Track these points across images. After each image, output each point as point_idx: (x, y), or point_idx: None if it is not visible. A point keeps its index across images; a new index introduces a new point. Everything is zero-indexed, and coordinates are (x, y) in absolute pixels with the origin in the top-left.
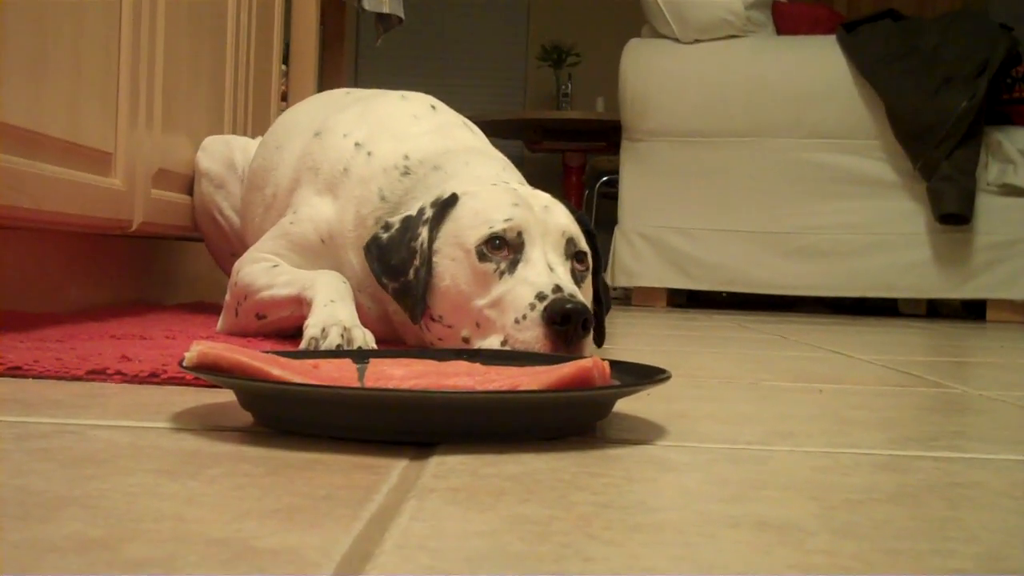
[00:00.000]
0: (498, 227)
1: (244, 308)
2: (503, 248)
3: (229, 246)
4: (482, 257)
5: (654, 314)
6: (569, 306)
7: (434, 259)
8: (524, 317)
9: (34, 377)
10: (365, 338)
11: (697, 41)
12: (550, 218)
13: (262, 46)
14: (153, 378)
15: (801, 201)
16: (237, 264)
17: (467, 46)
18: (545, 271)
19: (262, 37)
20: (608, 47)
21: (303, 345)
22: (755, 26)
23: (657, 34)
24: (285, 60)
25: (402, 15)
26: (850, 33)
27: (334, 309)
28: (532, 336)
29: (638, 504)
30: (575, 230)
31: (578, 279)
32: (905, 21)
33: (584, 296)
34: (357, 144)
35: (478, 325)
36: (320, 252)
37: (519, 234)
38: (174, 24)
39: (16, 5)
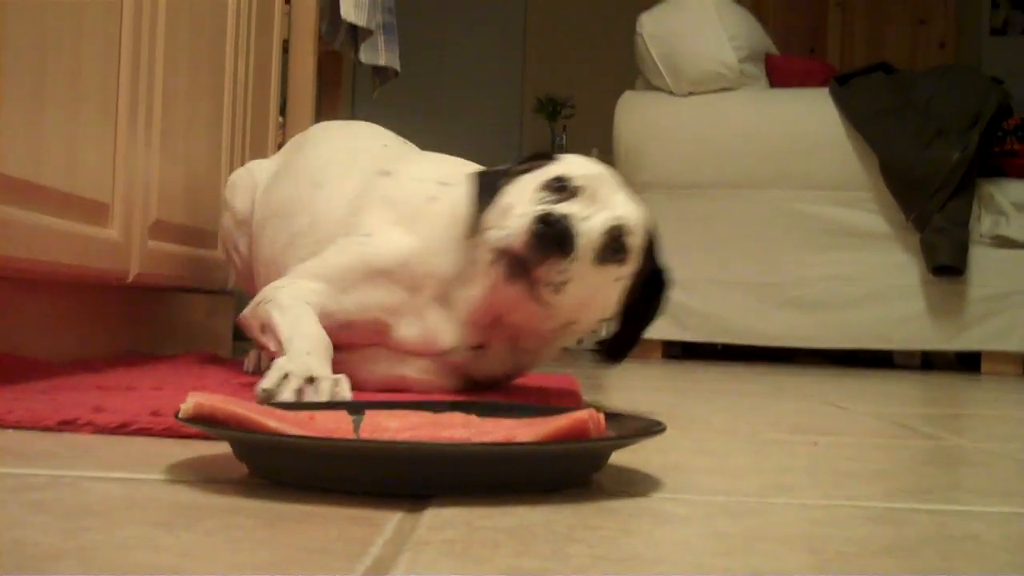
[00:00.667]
0: (564, 171)
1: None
2: (564, 190)
3: (247, 270)
4: (542, 188)
5: (649, 366)
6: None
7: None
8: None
9: (9, 427)
10: (339, 388)
11: (691, 94)
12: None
13: (259, 99)
14: (122, 429)
15: (795, 252)
16: (281, 285)
17: (463, 97)
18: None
19: (259, 90)
20: (603, 99)
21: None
22: (748, 79)
23: (651, 87)
24: (282, 112)
25: (398, 68)
26: (843, 86)
27: (307, 359)
28: (516, 227)
29: (634, 557)
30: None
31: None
32: (897, 74)
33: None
34: (441, 183)
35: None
36: (394, 275)
37: (582, 188)
38: (172, 79)
39: (14, 54)
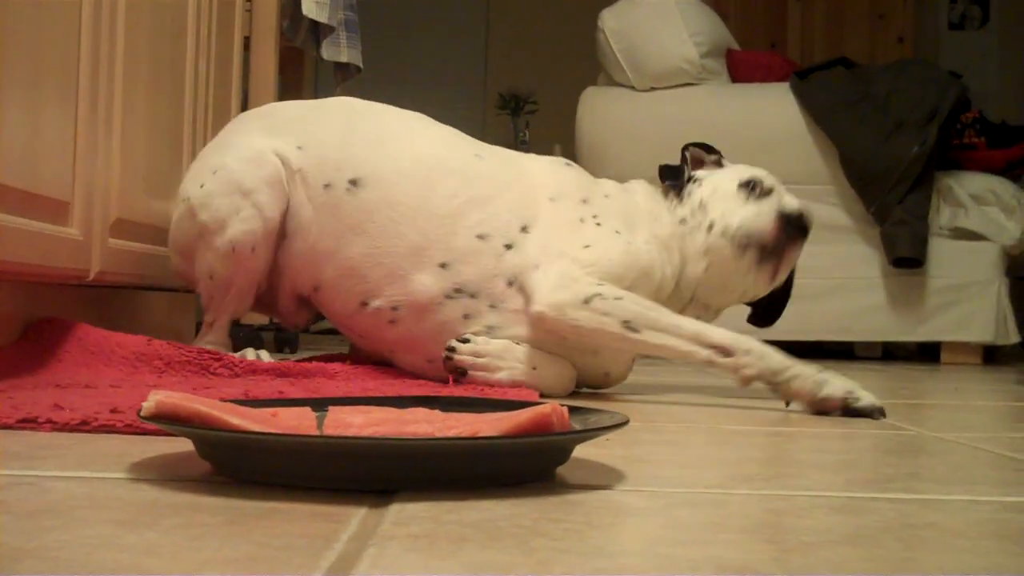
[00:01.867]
0: (751, 174)
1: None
2: (756, 189)
3: (251, 285)
4: (741, 187)
5: None
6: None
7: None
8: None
9: None
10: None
11: (653, 89)
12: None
13: (220, 97)
14: (83, 426)
15: None
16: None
17: (425, 93)
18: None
19: (220, 88)
20: (565, 95)
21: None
22: (710, 74)
23: (613, 82)
24: (244, 109)
25: (360, 64)
26: (803, 81)
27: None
28: (763, 220)
29: (598, 549)
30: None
31: None
32: (857, 69)
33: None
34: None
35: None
36: (653, 277)
37: (771, 187)
38: (132, 77)
39: None
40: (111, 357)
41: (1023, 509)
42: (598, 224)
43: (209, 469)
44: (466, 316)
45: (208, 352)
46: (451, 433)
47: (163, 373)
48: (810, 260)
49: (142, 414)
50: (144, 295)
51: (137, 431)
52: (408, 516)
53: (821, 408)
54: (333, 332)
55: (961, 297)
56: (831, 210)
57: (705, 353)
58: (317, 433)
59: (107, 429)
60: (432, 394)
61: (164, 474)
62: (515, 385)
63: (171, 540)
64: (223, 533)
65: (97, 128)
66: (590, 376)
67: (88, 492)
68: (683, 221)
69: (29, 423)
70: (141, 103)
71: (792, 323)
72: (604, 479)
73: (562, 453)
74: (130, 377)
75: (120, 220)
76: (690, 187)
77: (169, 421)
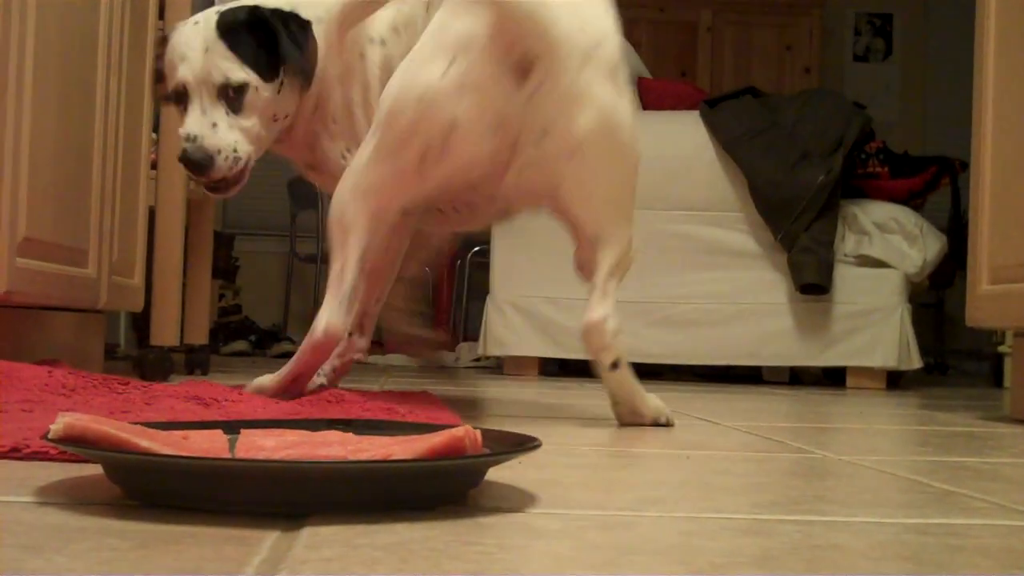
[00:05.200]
0: (171, 84)
1: None
2: (180, 100)
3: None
4: (172, 102)
5: (527, 383)
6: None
7: None
8: (178, 155)
9: None
10: None
11: None
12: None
13: (132, 118)
14: (14, 453)
15: (668, 272)
16: None
17: None
18: (196, 119)
19: (132, 107)
20: None
21: None
22: None
23: None
24: (155, 128)
25: None
26: (712, 109)
27: None
28: (183, 168)
29: (510, 572)
30: (227, 66)
31: (237, 108)
32: (765, 98)
33: None
34: None
35: None
36: None
37: (184, 86)
38: (41, 96)
39: None
40: (15, 383)
41: (925, 531)
42: None
43: (119, 493)
44: None
45: (115, 378)
46: (364, 456)
47: (72, 395)
48: (718, 285)
49: (50, 436)
50: (52, 315)
51: (71, 459)
52: (320, 540)
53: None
54: (242, 354)
55: (865, 323)
56: (739, 236)
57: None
58: (228, 456)
59: (42, 456)
60: (346, 417)
61: (73, 498)
62: None
63: (80, 565)
64: (134, 557)
65: (4, 147)
66: None
67: None
68: None
69: None
70: (50, 122)
71: (701, 347)
72: (516, 502)
73: (475, 476)
74: (40, 399)
75: (28, 239)
76: None
77: (77, 444)
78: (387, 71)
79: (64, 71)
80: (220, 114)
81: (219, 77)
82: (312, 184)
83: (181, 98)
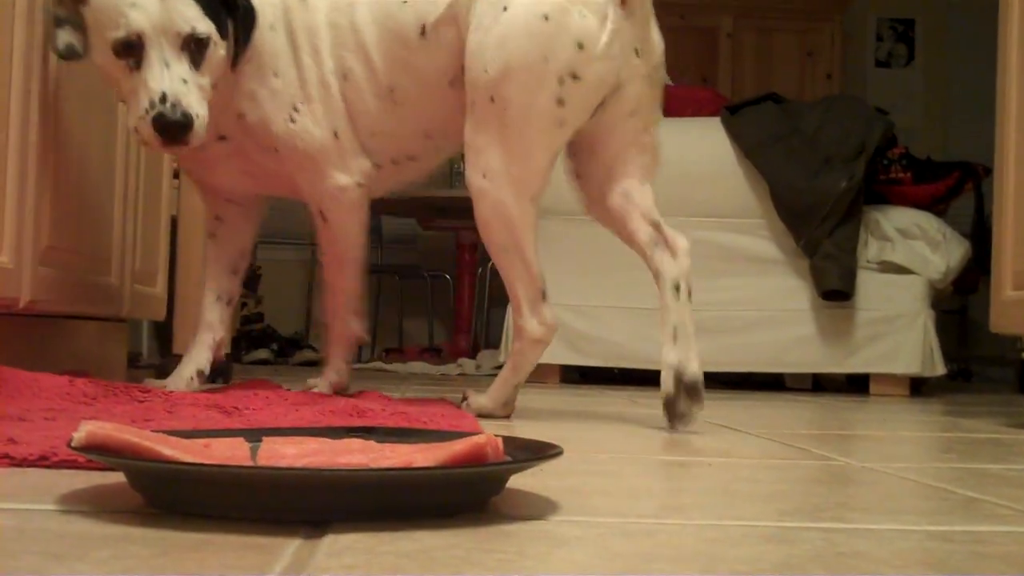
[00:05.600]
0: (121, 34)
1: None
2: (132, 53)
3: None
4: (117, 55)
5: (548, 391)
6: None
7: None
8: (142, 118)
9: None
10: None
11: None
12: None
13: None
14: (43, 461)
15: None
16: None
17: None
18: (162, 74)
19: None
20: None
21: None
22: None
23: None
24: None
25: None
26: (734, 115)
27: None
28: (149, 136)
29: None
30: (191, 15)
31: (197, 64)
32: (786, 104)
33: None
34: None
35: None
36: None
37: (139, 37)
38: (64, 105)
39: None
40: (36, 392)
41: (949, 538)
42: None
43: (141, 501)
44: None
45: (136, 386)
46: (385, 464)
47: (93, 403)
48: (740, 292)
49: (73, 444)
50: (75, 324)
51: (94, 467)
52: (342, 547)
53: None
54: (264, 363)
55: (888, 330)
56: (761, 243)
57: None
58: (250, 464)
59: (70, 464)
60: (367, 424)
61: (95, 506)
62: None
63: (102, 573)
64: (155, 565)
65: (27, 156)
66: None
67: (16, 524)
68: None
69: None
70: (73, 132)
71: (724, 354)
72: (538, 509)
73: (496, 484)
74: (62, 408)
75: (51, 248)
76: None
77: (100, 452)
78: (336, 11)
79: (87, 79)
80: (185, 69)
81: (184, 26)
82: None
83: (131, 50)
